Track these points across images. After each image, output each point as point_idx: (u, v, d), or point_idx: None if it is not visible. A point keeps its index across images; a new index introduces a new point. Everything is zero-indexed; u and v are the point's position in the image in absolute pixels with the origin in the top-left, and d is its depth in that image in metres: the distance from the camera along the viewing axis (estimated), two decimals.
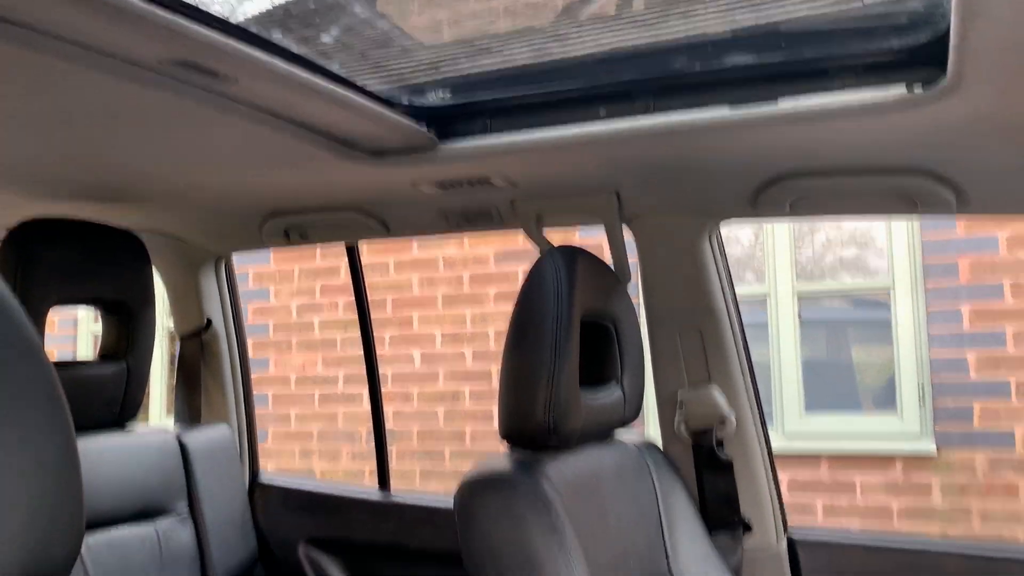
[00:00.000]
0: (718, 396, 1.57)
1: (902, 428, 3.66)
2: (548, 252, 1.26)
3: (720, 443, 1.56)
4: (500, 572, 1.04)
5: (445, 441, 4.43)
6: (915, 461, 3.59)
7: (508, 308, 1.23)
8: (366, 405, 4.67)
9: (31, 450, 0.57)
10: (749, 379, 1.61)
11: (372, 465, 4.66)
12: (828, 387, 3.95)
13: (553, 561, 1.03)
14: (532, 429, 1.16)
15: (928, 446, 3.57)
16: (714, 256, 1.60)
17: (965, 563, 1.43)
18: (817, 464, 3.66)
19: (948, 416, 3.58)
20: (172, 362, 5.11)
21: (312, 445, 4.69)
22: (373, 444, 2.04)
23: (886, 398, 3.81)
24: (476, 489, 1.08)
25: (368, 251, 4.56)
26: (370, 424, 4.93)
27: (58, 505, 0.60)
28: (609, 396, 1.33)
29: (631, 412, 1.40)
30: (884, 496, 3.61)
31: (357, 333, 5.26)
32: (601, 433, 1.33)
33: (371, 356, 2.07)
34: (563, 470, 1.16)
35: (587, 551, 1.11)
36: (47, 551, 0.59)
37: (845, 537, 1.54)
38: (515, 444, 1.21)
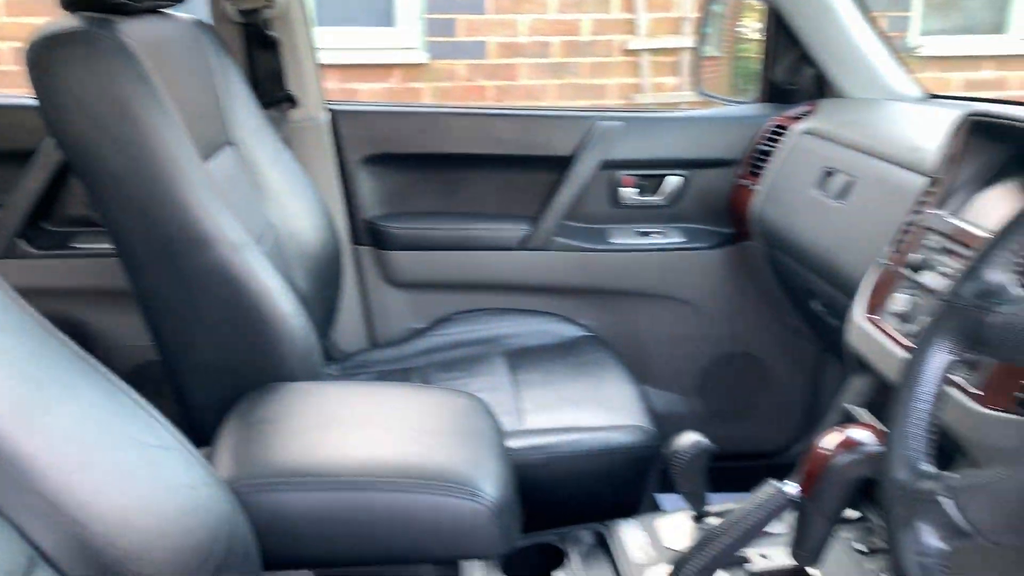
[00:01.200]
0: None
1: (401, 41, 4.05)
2: None
3: (268, 23, 1.67)
4: (93, 123, 1.08)
5: None
6: (410, 70, 4.05)
7: None
8: None
9: None
10: None
11: None
12: (338, 4, 4.11)
13: (146, 108, 1.10)
14: None
15: (422, 57, 4.03)
16: None
17: (465, 120, 1.82)
18: (330, 74, 3.92)
19: (438, 29, 4.04)
20: None
21: None
22: None
23: (390, 14, 4.11)
24: (54, 42, 1.07)
25: None
26: None
27: None
28: None
29: None
30: (384, 101, 4.07)
31: None
32: (159, 5, 1.34)
33: None
34: (134, 32, 1.18)
35: None
36: None
37: (376, 107, 1.82)
38: (78, 9, 1.17)
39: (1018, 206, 0.70)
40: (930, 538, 0.67)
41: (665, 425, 1.47)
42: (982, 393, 0.89)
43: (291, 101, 1.73)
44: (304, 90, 1.75)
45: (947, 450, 0.90)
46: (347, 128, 1.80)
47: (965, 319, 0.70)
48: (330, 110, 1.80)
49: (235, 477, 0.91)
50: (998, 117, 1.08)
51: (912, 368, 0.73)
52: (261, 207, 1.50)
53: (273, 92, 1.71)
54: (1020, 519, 0.62)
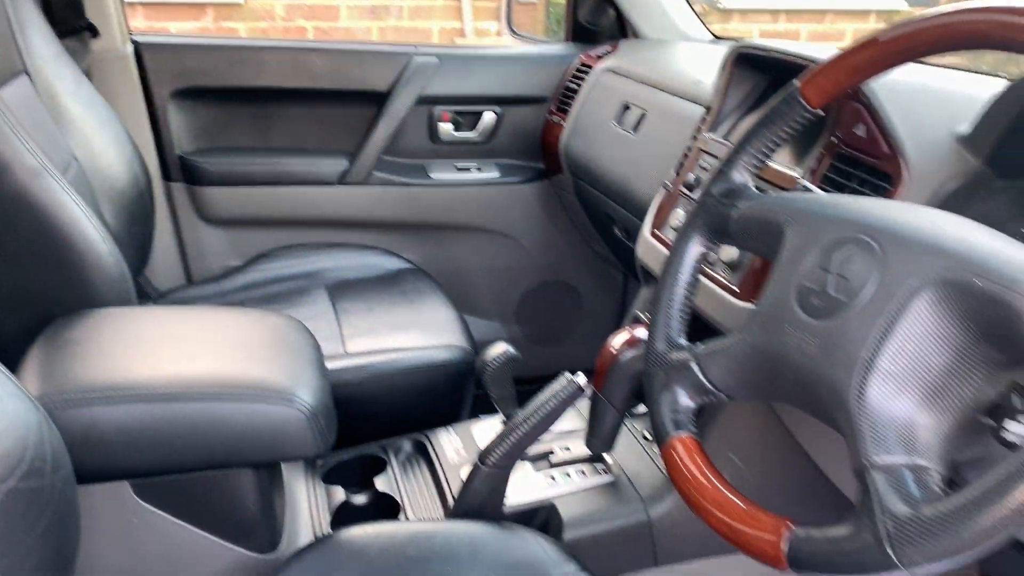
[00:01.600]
0: None
1: None
2: None
3: None
4: None
5: None
6: (224, 9, 3.89)
7: None
8: None
9: None
10: None
11: None
12: None
13: None
14: None
15: None
16: None
17: (279, 54, 1.81)
18: (134, 12, 3.71)
19: None
20: None
21: None
22: None
23: None
24: None
25: None
26: None
27: None
28: None
29: None
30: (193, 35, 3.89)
31: None
32: None
33: None
34: None
35: None
36: None
37: (184, 39, 1.77)
38: None
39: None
40: (683, 398, 0.79)
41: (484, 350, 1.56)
42: (738, 290, 1.03)
43: (92, 31, 1.66)
44: (105, 20, 1.68)
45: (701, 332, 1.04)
46: (154, 61, 1.74)
47: (714, 215, 0.82)
48: (135, 42, 1.73)
49: (44, 393, 0.91)
50: (758, 49, 1.21)
51: (672, 258, 0.84)
52: (63, 139, 1.44)
53: (70, 21, 1.63)
54: (747, 377, 0.74)
